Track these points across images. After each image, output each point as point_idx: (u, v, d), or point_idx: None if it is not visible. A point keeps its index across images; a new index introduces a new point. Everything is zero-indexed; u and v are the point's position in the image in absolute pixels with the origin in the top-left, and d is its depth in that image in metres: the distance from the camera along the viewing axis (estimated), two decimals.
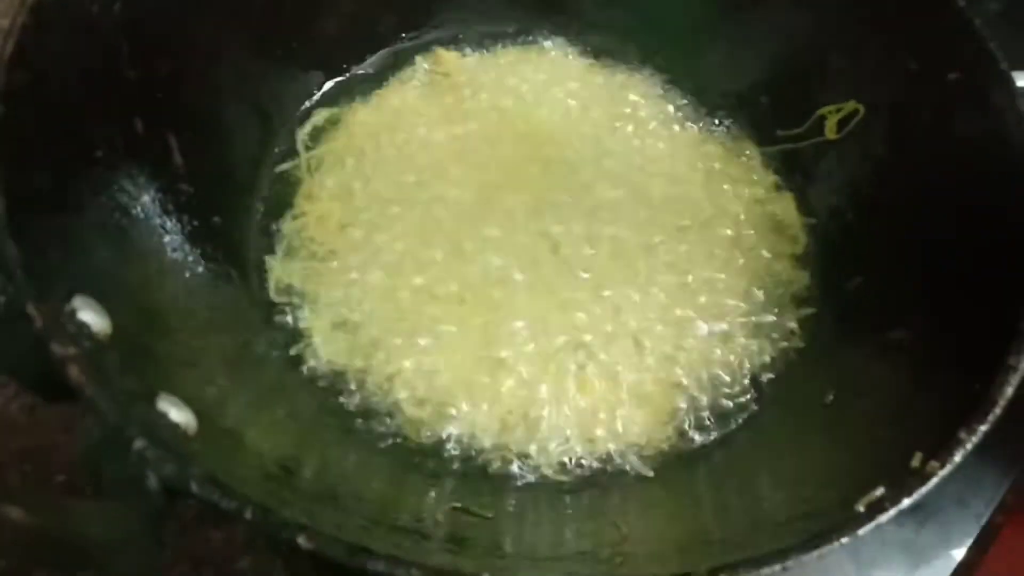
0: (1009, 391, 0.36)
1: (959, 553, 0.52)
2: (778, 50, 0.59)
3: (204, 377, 0.39)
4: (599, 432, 0.47)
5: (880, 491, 0.33)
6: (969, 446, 0.34)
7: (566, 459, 0.47)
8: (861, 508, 0.33)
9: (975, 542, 0.52)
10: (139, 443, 0.29)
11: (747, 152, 0.60)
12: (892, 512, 0.32)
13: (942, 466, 0.34)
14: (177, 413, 0.33)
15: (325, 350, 0.49)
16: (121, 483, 0.29)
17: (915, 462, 0.34)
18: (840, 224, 0.55)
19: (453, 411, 0.47)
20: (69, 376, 0.30)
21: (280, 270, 0.52)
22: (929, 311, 0.44)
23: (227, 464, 0.34)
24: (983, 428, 0.35)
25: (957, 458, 0.34)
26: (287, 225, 0.54)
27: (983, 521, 0.53)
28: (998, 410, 0.35)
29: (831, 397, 0.45)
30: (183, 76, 0.51)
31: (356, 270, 0.52)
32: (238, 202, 0.54)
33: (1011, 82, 0.46)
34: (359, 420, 0.47)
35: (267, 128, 0.58)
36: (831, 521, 0.33)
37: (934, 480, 0.33)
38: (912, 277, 0.47)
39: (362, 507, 0.38)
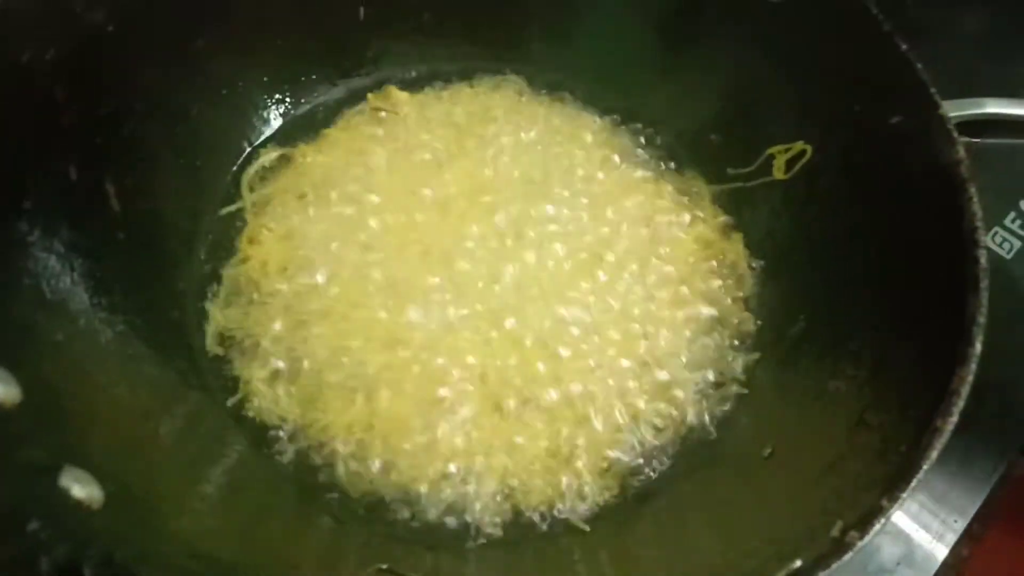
0: (934, 455, 0.36)
1: (942, 553, 0.52)
2: (727, 89, 0.58)
3: (124, 439, 0.39)
4: (538, 483, 0.47)
5: (798, 563, 0.33)
6: (890, 514, 0.34)
7: (504, 514, 0.46)
8: None
9: (957, 543, 0.52)
10: (33, 524, 0.29)
11: (696, 190, 0.59)
12: None
13: (861, 537, 0.33)
14: (80, 488, 0.32)
15: (262, 400, 0.49)
16: (12, 563, 0.28)
17: (835, 532, 0.34)
18: (787, 265, 0.54)
19: (392, 464, 0.47)
20: None
21: (220, 317, 0.52)
22: (868, 362, 0.44)
23: (136, 536, 0.33)
24: (904, 495, 0.34)
25: (876, 527, 0.33)
26: (230, 270, 0.54)
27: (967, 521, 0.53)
28: (921, 475, 0.35)
29: (769, 450, 0.44)
30: (122, 119, 0.51)
31: (296, 316, 0.52)
32: (178, 247, 0.53)
33: (949, 126, 0.46)
34: (294, 474, 0.46)
35: (212, 169, 0.57)
36: None
37: (851, 552, 0.33)
38: (853, 324, 0.47)
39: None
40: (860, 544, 0.33)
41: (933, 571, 0.52)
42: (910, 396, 0.39)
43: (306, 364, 0.50)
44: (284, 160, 0.59)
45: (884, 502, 0.34)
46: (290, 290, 0.53)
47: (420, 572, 0.42)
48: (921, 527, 0.53)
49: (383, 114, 0.61)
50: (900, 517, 0.53)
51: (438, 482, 0.47)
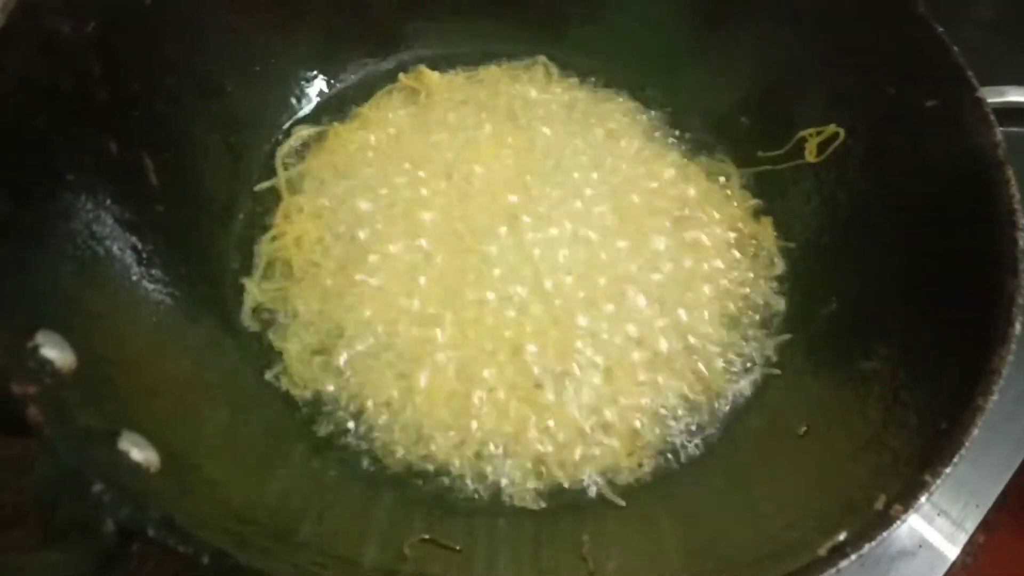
0: (975, 431, 0.36)
1: (953, 553, 0.52)
2: (758, 72, 0.59)
3: (171, 409, 0.39)
4: (573, 457, 0.47)
5: (843, 535, 0.33)
6: (933, 489, 0.35)
7: (539, 485, 0.47)
8: (823, 552, 0.33)
9: (968, 542, 0.53)
10: (98, 486, 0.29)
11: (727, 173, 0.59)
12: (853, 557, 0.33)
13: (905, 510, 0.34)
14: (138, 452, 0.33)
15: (299, 374, 0.49)
16: (75, 525, 0.29)
17: (879, 505, 0.34)
18: (817, 248, 0.54)
19: (429, 437, 0.47)
20: (28, 416, 0.30)
21: (256, 292, 0.52)
22: (901, 342, 0.44)
23: (188, 502, 0.34)
24: (947, 471, 0.35)
25: (921, 501, 0.34)
26: (265, 245, 0.54)
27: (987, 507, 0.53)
28: (963, 451, 0.35)
29: (804, 429, 0.45)
30: (159, 94, 0.51)
31: (333, 292, 0.52)
32: (215, 222, 0.54)
33: (986, 109, 0.47)
34: (330, 445, 0.47)
35: (247, 146, 0.57)
36: (794, 565, 0.33)
37: (896, 524, 0.33)
38: (885, 306, 0.47)
39: (324, 542, 0.38)
40: (904, 517, 0.34)
41: (953, 556, 0.52)
42: (946, 375, 0.39)
43: (342, 340, 0.50)
44: (318, 137, 0.59)
45: (927, 477, 0.35)
46: (324, 267, 0.53)
47: (457, 542, 0.42)
48: (941, 513, 0.53)
49: (415, 93, 0.61)
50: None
51: (474, 454, 0.47)
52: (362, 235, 0.54)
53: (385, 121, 0.60)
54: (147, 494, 0.31)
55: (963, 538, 0.53)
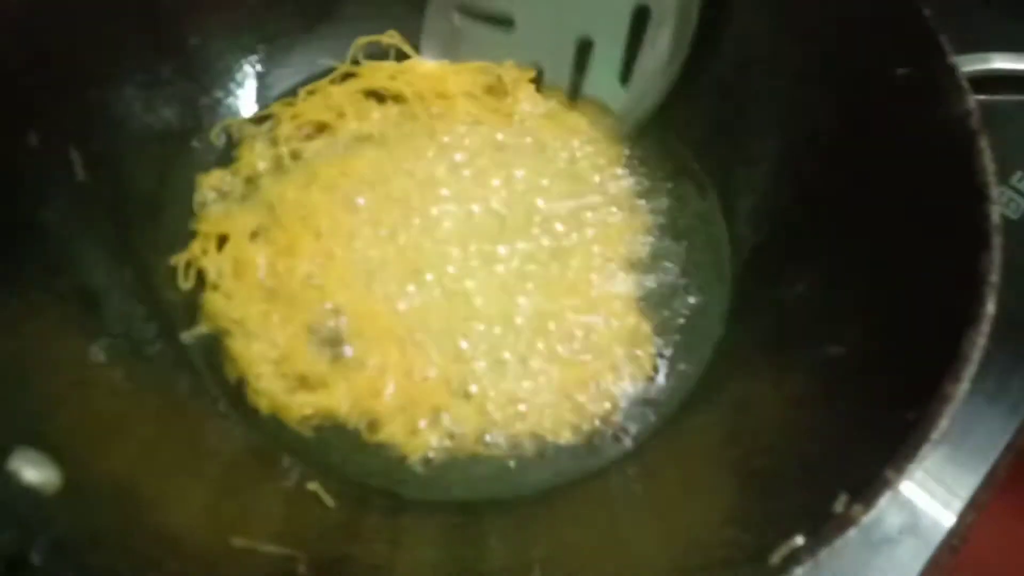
0: (944, 423, 0.34)
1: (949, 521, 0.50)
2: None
3: (94, 422, 0.37)
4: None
5: (799, 540, 0.31)
6: (897, 486, 0.32)
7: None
8: (776, 560, 0.31)
9: (963, 511, 0.51)
10: None
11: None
12: (808, 563, 0.30)
13: (866, 510, 0.31)
14: (34, 471, 0.30)
15: (256, 382, 0.48)
16: None
17: (839, 505, 0.32)
18: (785, 226, 0.52)
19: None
20: None
21: (208, 296, 0.50)
22: (869, 325, 0.42)
23: (96, 522, 0.31)
24: (912, 466, 0.32)
25: (881, 501, 0.32)
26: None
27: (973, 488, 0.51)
28: (929, 445, 0.33)
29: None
30: (86, 82, 0.48)
31: (276, 290, 0.50)
32: (150, 216, 0.51)
33: (959, 76, 0.44)
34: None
35: (184, 133, 0.54)
36: (746, 572, 0.31)
37: (855, 527, 0.31)
38: (855, 286, 0.44)
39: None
40: (864, 519, 0.31)
41: (938, 540, 0.50)
42: (917, 361, 0.37)
43: (293, 343, 0.49)
44: (257, 123, 0.57)
45: (890, 474, 0.32)
46: (266, 261, 0.51)
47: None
48: (927, 494, 0.51)
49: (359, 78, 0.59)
50: (905, 485, 0.51)
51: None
52: (306, 224, 0.52)
53: (329, 103, 0.57)
54: (38, 517, 0.28)
55: (952, 517, 0.51)
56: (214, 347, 0.49)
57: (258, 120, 0.57)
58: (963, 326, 0.36)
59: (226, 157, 0.56)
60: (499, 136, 0.56)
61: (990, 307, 0.36)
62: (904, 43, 0.46)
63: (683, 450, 0.44)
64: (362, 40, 0.60)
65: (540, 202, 0.54)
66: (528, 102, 0.57)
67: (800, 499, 0.34)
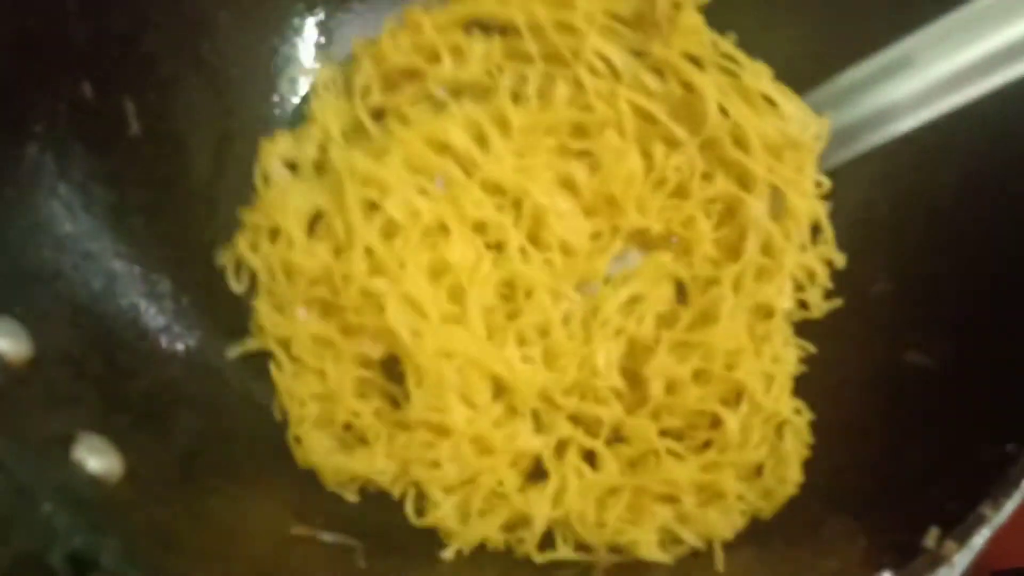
0: None
1: None
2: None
3: (151, 405, 0.36)
4: None
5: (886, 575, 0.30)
6: (993, 524, 0.30)
7: None
8: None
9: None
10: (47, 507, 0.26)
11: None
12: None
13: (959, 547, 0.30)
14: (97, 460, 0.29)
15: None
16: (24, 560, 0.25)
17: (929, 540, 0.30)
18: (873, 218, 0.48)
19: None
20: None
21: (253, 259, 0.43)
22: (963, 339, 0.39)
23: (160, 517, 0.30)
24: (1011, 503, 0.31)
25: (978, 540, 0.30)
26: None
27: None
28: None
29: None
30: (139, 32, 0.46)
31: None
32: (207, 177, 0.47)
33: None
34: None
35: (242, 88, 0.51)
36: None
37: (946, 564, 0.30)
38: (947, 296, 0.41)
39: None
40: (958, 555, 0.30)
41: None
42: (1019, 385, 0.35)
43: (341, 381, 0.41)
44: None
45: (986, 510, 0.31)
46: (320, 264, 0.42)
47: None
48: None
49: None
50: None
51: None
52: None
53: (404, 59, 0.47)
54: (107, 513, 0.28)
55: None
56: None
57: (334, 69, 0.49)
58: None
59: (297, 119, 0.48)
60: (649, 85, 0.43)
61: None
62: None
63: None
64: None
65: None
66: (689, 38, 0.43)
67: (888, 529, 0.32)
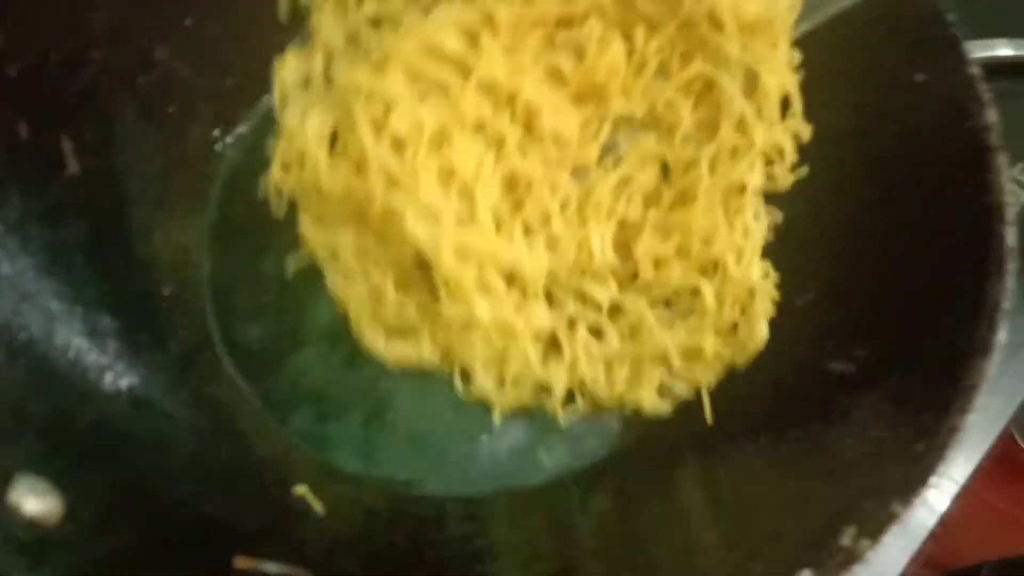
0: (949, 454, 0.34)
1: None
2: None
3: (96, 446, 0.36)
4: None
5: (806, 574, 0.31)
6: (904, 519, 0.32)
7: None
8: None
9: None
10: None
11: None
12: None
13: (874, 544, 0.32)
14: (36, 501, 0.29)
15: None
16: None
17: (845, 539, 0.32)
18: (796, 234, 0.51)
19: None
20: None
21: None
22: (880, 346, 0.41)
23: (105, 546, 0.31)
24: (918, 500, 0.33)
25: (886, 537, 0.32)
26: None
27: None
28: (935, 478, 0.33)
29: (763, 439, 0.42)
30: (77, 67, 0.46)
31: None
32: (148, 212, 0.48)
33: (980, 87, 0.43)
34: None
35: (183, 121, 0.52)
36: None
37: (860, 562, 0.31)
38: (864, 301, 0.44)
39: None
40: (870, 553, 0.32)
41: (925, 536, 0.51)
42: (927, 389, 0.37)
43: (382, 285, 0.45)
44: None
45: (897, 507, 0.32)
46: (343, 183, 0.44)
47: None
48: None
49: None
50: None
51: None
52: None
53: None
54: (45, 554, 0.28)
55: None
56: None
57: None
58: (973, 356, 0.36)
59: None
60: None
61: (1001, 336, 0.36)
62: (925, 48, 0.45)
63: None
64: None
65: None
66: None
67: (806, 531, 0.34)
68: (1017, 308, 0.37)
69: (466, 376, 0.46)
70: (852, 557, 0.32)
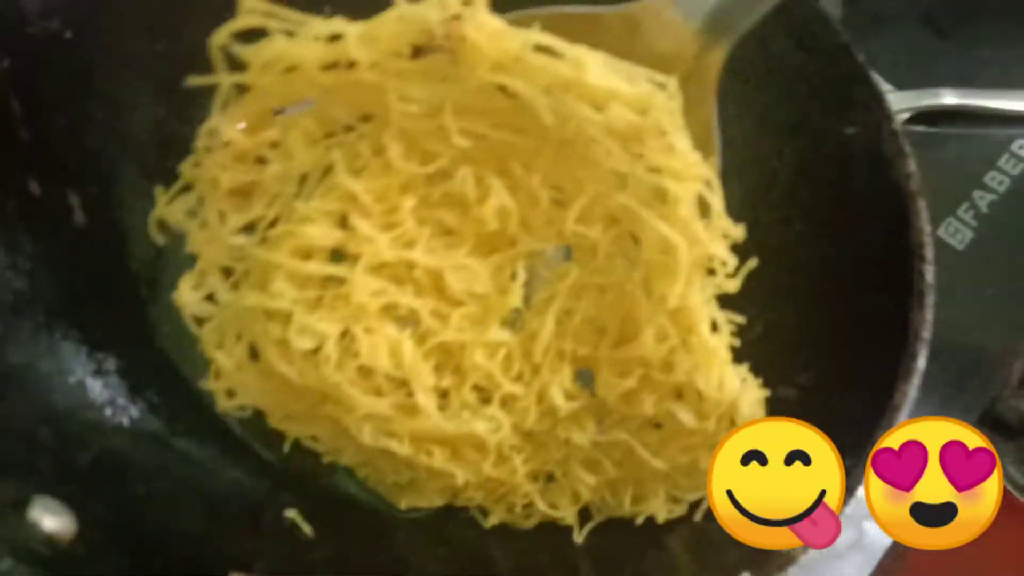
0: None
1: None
2: None
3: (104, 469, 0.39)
4: None
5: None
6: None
7: None
8: None
9: None
10: (6, 562, 0.29)
11: None
12: None
13: (804, 550, 0.35)
14: (52, 519, 0.33)
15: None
16: None
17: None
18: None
19: None
20: None
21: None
22: (818, 372, 0.46)
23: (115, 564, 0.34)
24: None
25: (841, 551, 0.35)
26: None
27: None
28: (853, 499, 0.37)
29: None
30: (83, 129, 0.50)
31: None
32: (151, 259, 0.52)
33: (901, 140, 0.48)
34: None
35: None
36: None
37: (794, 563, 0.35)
38: (803, 334, 0.48)
39: None
40: (803, 557, 0.35)
41: (881, 554, 0.55)
42: (854, 408, 0.41)
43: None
44: None
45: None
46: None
47: None
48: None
49: None
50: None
51: None
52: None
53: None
54: (63, 567, 0.31)
55: None
56: None
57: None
58: (896, 379, 0.40)
59: None
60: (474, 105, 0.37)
61: (921, 362, 0.41)
62: (853, 104, 0.50)
63: None
64: None
65: None
66: None
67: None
68: None
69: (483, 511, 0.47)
70: (786, 559, 0.35)
